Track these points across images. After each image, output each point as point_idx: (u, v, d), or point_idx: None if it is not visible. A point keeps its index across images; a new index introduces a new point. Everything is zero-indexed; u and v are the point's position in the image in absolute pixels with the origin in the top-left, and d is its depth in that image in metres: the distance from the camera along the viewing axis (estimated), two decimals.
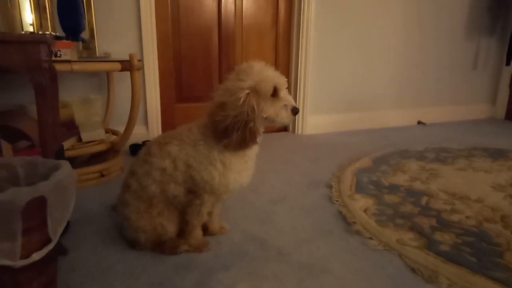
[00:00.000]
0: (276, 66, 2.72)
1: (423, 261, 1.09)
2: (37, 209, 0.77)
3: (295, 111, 1.03)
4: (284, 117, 1.02)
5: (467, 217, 1.39)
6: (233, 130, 0.96)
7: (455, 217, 1.38)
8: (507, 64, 3.38)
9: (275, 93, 1.01)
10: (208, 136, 1.03)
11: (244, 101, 0.96)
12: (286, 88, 1.05)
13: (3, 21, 1.78)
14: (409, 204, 1.49)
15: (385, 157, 2.15)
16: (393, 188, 1.67)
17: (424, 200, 1.54)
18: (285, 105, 1.02)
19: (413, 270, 1.06)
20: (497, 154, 2.25)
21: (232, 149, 1.01)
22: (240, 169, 1.06)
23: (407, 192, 1.63)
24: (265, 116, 1.01)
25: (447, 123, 3.35)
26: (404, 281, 1.01)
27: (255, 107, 0.97)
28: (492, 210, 1.45)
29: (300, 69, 2.68)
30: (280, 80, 1.02)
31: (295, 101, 2.72)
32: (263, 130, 1.09)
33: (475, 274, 1.03)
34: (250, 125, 0.97)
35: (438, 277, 1.02)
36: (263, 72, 1.00)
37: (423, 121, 3.29)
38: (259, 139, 1.05)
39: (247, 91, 0.97)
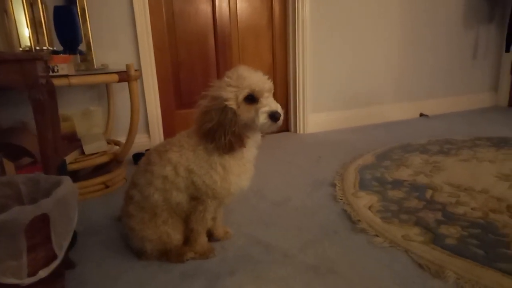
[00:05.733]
0: (274, 66, 2.74)
1: (429, 256, 1.08)
2: (40, 227, 0.78)
3: (273, 116, 0.98)
4: (262, 122, 0.98)
5: (472, 208, 1.38)
6: (218, 134, 0.98)
7: (460, 210, 1.38)
8: (507, 50, 3.35)
9: (253, 98, 0.98)
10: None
11: (225, 106, 0.97)
12: (271, 92, 1.02)
13: (1, 37, 1.80)
14: (414, 199, 1.49)
15: (388, 152, 2.15)
16: (397, 184, 1.66)
17: (428, 194, 1.53)
18: (263, 111, 0.98)
19: (420, 265, 1.06)
20: (501, 143, 2.23)
21: (221, 152, 1.02)
22: (239, 172, 1.06)
23: (411, 186, 1.62)
24: (243, 122, 1.00)
25: (450, 114, 3.33)
26: (412, 278, 1.01)
27: (236, 112, 0.98)
28: (498, 200, 1.44)
29: (298, 68, 2.68)
30: (262, 85, 0.99)
31: (296, 100, 2.73)
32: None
33: (483, 266, 1.02)
34: (233, 129, 0.98)
35: (445, 271, 1.01)
36: (244, 78, 0.99)
37: (425, 113, 3.28)
38: (252, 142, 1.07)
39: (227, 97, 0.98)
